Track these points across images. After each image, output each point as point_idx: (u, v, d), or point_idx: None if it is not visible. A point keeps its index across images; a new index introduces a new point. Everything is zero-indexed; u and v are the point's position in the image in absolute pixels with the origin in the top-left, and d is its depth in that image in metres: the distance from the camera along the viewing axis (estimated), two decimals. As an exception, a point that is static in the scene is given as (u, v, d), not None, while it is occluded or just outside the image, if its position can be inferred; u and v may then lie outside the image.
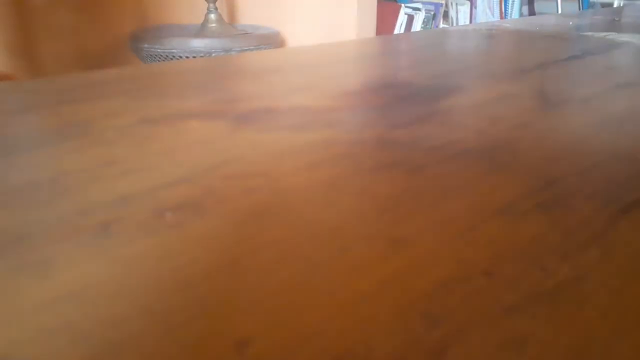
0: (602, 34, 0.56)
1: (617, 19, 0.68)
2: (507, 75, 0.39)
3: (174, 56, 1.49)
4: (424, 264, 0.13)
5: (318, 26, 1.71)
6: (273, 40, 1.60)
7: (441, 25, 2.17)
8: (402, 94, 0.33)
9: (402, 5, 2.06)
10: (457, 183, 0.20)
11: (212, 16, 1.59)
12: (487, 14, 2.20)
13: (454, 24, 2.14)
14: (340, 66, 0.41)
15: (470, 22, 2.15)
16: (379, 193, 0.19)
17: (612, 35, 0.55)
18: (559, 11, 2.50)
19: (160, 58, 1.50)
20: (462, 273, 0.12)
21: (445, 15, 2.19)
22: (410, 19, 2.13)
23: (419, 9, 2.08)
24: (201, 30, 1.59)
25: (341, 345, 0.10)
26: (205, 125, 0.27)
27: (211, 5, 1.58)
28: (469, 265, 0.13)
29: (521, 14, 2.38)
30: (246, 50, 1.52)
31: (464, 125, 0.27)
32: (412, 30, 2.09)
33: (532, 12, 2.67)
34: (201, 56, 1.49)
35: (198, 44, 1.48)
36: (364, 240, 0.15)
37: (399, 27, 2.12)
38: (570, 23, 0.64)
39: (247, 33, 1.59)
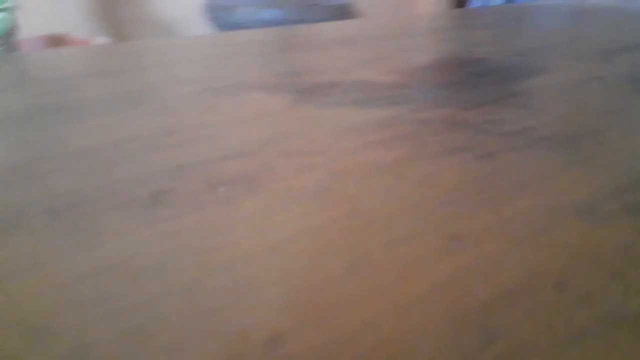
0: None
1: None
2: (595, 57, 0.35)
3: (245, 26, 1.49)
4: (485, 269, 0.11)
5: (394, -2, 1.65)
6: (347, 11, 1.57)
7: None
8: (477, 72, 0.31)
9: (485, -23, 1.94)
10: (532, 175, 0.18)
11: (287, -15, 1.57)
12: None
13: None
14: (412, 39, 0.39)
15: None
16: (441, 182, 0.17)
17: None
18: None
19: (232, 27, 1.51)
20: (528, 283, 0.11)
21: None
22: (493, -9, 2.00)
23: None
24: (275, 1, 1.58)
25: (383, 352, 0.09)
26: (267, 97, 0.26)
27: (287, -26, 1.57)
28: (537, 274, 0.11)
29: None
30: (318, 21, 1.50)
31: (543, 110, 0.25)
32: (492, 4, 1.97)
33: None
34: (272, 26, 1.49)
35: (269, 14, 1.48)
36: (419, 235, 0.13)
37: (475, 1, 2.01)
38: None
39: (319, 3, 1.57)
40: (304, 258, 0.12)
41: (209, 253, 0.13)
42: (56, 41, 1.21)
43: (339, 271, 0.12)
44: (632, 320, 0.10)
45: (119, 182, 0.18)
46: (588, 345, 0.09)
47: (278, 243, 0.13)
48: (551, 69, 0.32)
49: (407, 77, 0.30)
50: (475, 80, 0.29)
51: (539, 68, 0.32)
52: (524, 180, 0.18)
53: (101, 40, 1.19)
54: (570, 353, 0.09)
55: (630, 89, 0.28)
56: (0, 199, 0.16)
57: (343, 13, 1.56)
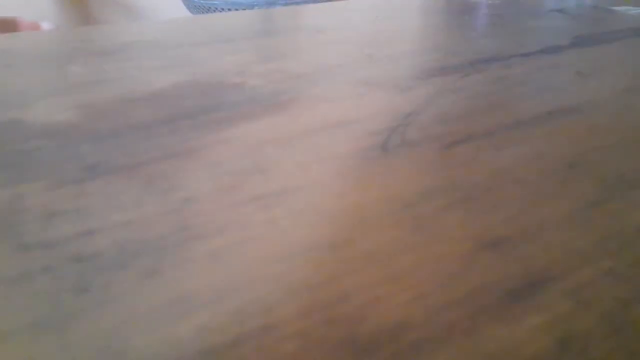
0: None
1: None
2: (393, 83, 0.26)
3: (217, 8, 1.41)
4: None
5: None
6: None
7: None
8: (189, 109, 0.23)
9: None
10: None
11: (263, -36, 1.48)
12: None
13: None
14: (211, 47, 0.31)
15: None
16: None
17: (656, 13, 0.38)
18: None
19: (204, 9, 1.43)
20: None
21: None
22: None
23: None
24: (251, -20, 1.49)
25: None
26: None
27: (262, -48, 1.47)
28: None
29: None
30: (291, 4, 1.40)
31: (180, 188, 0.16)
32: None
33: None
34: (243, 9, 1.40)
35: (242, -5, 1.39)
36: None
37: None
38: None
39: (298, -16, 1.46)
40: None
41: None
42: (3, 25, 1.16)
43: None
44: None
45: None
46: None
47: None
48: (304, 102, 0.23)
49: (86, 118, 0.22)
50: (163, 125, 0.21)
51: (290, 100, 0.23)
52: None
53: (46, 25, 1.13)
54: None
55: (379, 142, 0.20)
56: None
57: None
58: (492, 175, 0.17)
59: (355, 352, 0.11)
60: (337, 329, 0.11)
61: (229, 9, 1.38)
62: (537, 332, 0.11)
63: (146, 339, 0.11)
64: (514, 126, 0.21)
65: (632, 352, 0.11)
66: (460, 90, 0.25)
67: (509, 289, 0.12)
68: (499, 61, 0.28)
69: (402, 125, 0.21)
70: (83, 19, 1.47)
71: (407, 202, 0.16)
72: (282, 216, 0.15)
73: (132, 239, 0.14)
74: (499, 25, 0.37)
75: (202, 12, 1.44)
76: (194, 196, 0.16)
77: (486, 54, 0.30)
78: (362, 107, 0.23)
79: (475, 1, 0.45)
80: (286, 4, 1.47)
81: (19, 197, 0.16)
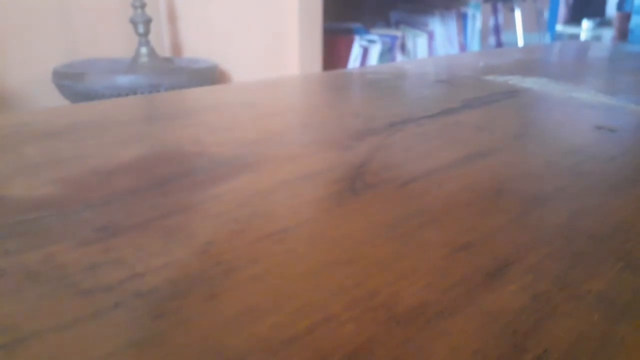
0: (505, 78, 0.49)
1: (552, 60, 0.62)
2: (336, 143, 0.31)
3: (97, 94, 1.41)
4: None
5: (261, 60, 1.65)
6: (209, 75, 1.54)
7: (398, 58, 2.13)
8: (171, 174, 0.25)
9: (357, 37, 2.02)
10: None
11: (144, 50, 1.52)
12: (446, 47, 2.18)
13: (412, 57, 2.11)
14: (152, 124, 0.34)
15: (430, 54, 2.12)
16: None
17: (515, 80, 0.48)
18: (520, 43, 2.51)
19: (83, 96, 1.42)
20: None
21: (403, 47, 2.16)
22: (366, 51, 2.09)
23: (374, 41, 2.05)
24: (131, 65, 1.52)
25: None
26: None
27: (142, 38, 1.52)
28: None
29: (484, 46, 2.37)
30: (178, 87, 1.45)
31: (184, 243, 0.19)
32: (367, 63, 2.05)
33: (499, 43, 2.67)
34: (126, 94, 1.42)
35: (124, 80, 1.41)
36: None
37: (354, 61, 2.08)
38: (481, 64, 0.58)
39: (179, 67, 1.52)
40: None
41: None
42: None
43: None
44: None
45: None
46: None
47: None
48: (261, 166, 0.27)
49: (69, 191, 0.24)
50: (150, 190, 0.24)
51: (248, 166, 0.27)
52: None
53: None
54: None
55: (343, 188, 0.24)
56: None
57: (205, 77, 1.53)
58: (445, 202, 0.23)
59: (398, 325, 0.15)
60: (379, 313, 0.15)
61: (111, 95, 1.39)
62: (515, 294, 0.16)
63: (234, 340, 0.14)
64: (445, 168, 0.27)
65: (576, 295, 0.16)
66: (391, 145, 0.30)
67: (487, 273, 0.17)
68: (412, 122, 0.35)
69: (358, 174, 0.26)
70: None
71: (389, 226, 0.21)
72: (295, 246, 0.19)
73: (178, 275, 0.17)
74: (399, 94, 0.45)
75: (83, 100, 1.42)
76: (214, 240, 0.19)
77: (400, 117, 0.37)
78: (319, 163, 0.27)
79: (370, 77, 0.53)
80: (168, 89, 1.51)
81: (50, 256, 0.18)
